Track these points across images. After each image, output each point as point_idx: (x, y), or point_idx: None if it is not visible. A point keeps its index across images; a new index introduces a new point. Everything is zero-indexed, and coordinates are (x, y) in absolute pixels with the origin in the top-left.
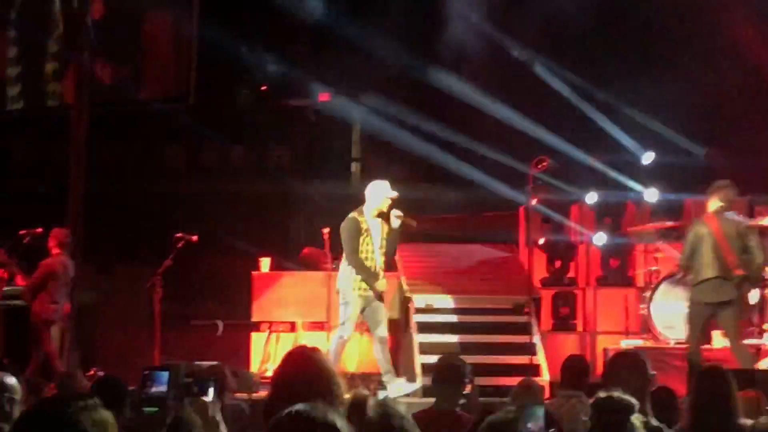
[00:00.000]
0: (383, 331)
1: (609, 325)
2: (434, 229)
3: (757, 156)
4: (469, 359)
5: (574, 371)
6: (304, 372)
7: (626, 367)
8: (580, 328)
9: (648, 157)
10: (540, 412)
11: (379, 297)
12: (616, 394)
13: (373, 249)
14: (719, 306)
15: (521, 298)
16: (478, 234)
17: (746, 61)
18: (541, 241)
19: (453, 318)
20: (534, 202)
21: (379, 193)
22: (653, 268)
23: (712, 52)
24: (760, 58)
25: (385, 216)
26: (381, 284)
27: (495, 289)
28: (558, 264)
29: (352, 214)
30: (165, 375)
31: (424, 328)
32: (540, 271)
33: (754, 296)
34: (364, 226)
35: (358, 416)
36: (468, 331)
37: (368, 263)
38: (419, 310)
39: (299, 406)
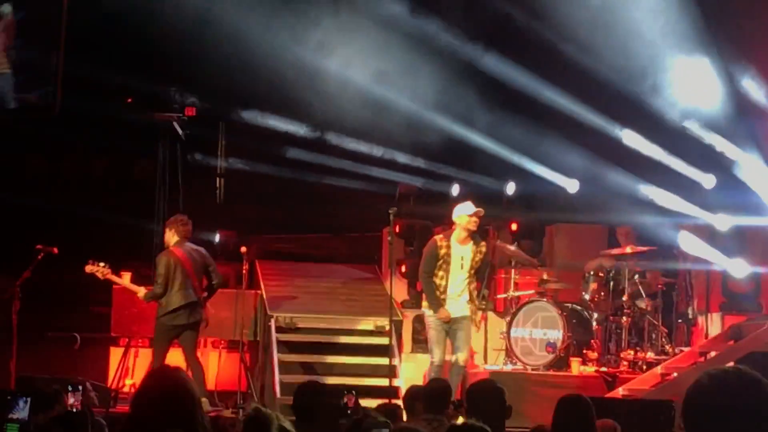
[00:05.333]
0: (460, 358)
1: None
2: (297, 247)
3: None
4: (330, 380)
5: (435, 395)
6: (166, 392)
7: (483, 394)
8: None
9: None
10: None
11: (460, 322)
12: (471, 421)
13: (448, 274)
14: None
15: (383, 319)
16: (341, 254)
17: None
18: (404, 268)
19: (314, 337)
20: (397, 226)
21: (459, 213)
22: (513, 293)
23: None
24: None
25: (474, 238)
26: (443, 311)
27: (357, 310)
28: (419, 287)
29: (435, 237)
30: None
31: (285, 346)
32: (401, 293)
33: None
34: (442, 251)
35: None
36: (329, 351)
37: (439, 288)
38: (280, 329)
39: None
